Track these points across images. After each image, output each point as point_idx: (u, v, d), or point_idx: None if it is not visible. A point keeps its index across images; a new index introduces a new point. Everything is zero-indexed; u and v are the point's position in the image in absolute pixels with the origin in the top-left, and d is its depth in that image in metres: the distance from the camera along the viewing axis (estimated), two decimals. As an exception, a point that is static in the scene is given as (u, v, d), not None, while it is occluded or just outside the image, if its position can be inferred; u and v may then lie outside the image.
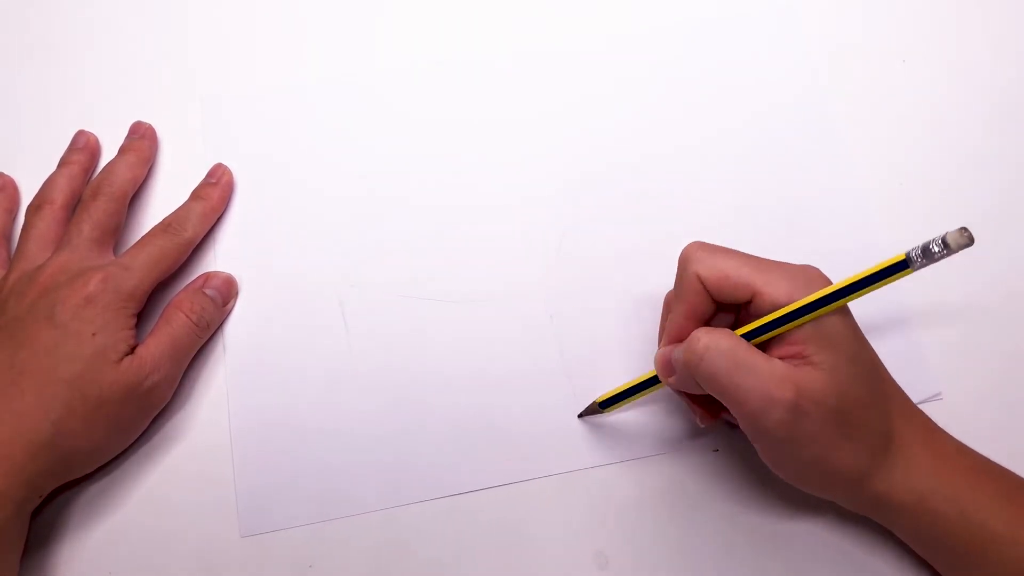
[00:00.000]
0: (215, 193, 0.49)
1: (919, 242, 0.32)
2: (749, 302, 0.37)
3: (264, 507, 0.44)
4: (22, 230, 0.47)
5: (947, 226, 0.47)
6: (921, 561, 0.41)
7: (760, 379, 0.35)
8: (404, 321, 0.47)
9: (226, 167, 0.50)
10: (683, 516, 0.43)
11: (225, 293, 0.47)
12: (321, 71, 0.53)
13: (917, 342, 0.46)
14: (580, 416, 0.45)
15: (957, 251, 0.31)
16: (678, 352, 0.38)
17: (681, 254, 0.39)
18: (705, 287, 0.38)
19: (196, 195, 0.49)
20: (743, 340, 0.37)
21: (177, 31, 0.54)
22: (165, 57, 0.53)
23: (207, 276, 0.47)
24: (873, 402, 0.37)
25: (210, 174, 0.50)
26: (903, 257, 0.33)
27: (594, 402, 0.44)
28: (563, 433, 0.45)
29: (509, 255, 0.48)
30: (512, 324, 0.47)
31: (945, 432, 0.40)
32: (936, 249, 0.32)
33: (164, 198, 0.50)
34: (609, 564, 0.42)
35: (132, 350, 0.43)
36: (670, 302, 0.43)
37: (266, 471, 0.44)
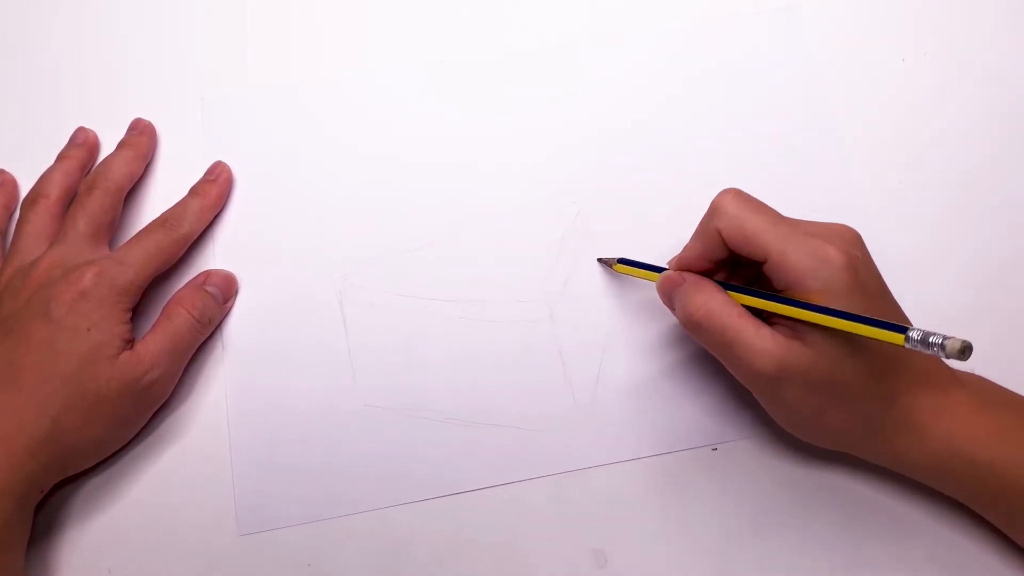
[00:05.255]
0: (213, 190, 0.48)
1: (925, 328, 0.33)
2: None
3: (262, 505, 0.43)
4: (17, 224, 0.46)
5: (948, 226, 0.48)
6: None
7: (744, 350, 0.37)
8: (403, 320, 0.47)
9: (225, 165, 0.50)
10: (681, 515, 0.43)
11: (225, 291, 0.47)
12: (321, 70, 0.53)
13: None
14: (599, 260, 0.47)
15: (948, 358, 0.32)
16: (679, 299, 0.40)
17: (714, 200, 0.40)
18: (723, 240, 0.39)
19: (194, 191, 0.48)
20: (736, 307, 0.38)
21: (179, 30, 0.54)
22: (166, 55, 0.53)
23: (208, 273, 0.47)
24: (869, 382, 0.37)
25: (209, 171, 0.49)
26: (902, 338, 0.33)
27: (615, 261, 0.46)
28: (562, 433, 0.44)
29: (508, 255, 0.48)
30: (512, 324, 0.46)
31: (968, 387, 0.39)
32: (933, 343, 0.32)
33: (163, 195, 0.49)
34: (608, 563, 0.42)
35: (129, 344, 0.42)
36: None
37: (264, 469, 0.44)
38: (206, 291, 0.46)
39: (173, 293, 0.46)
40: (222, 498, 0.44)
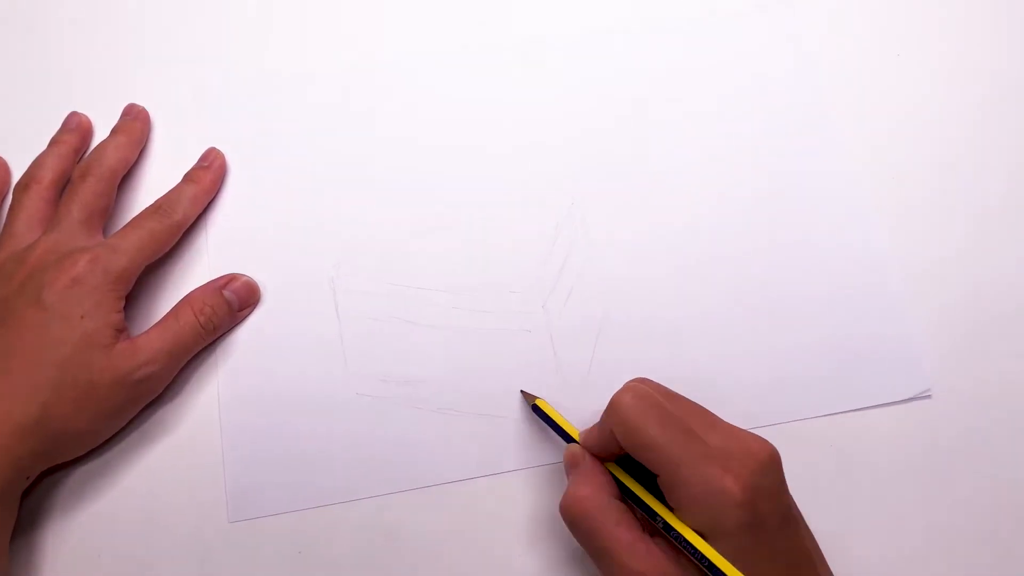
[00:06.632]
0: (207, 176, 0.48)
1: None
2: None
3: (253, 493, 0.44)
4: (9, 209, 0.46)
5: (939, 220, 0.48)
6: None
7: (612, 565, 0.35)
8: (396, 309, 0.47)
9: (219, 151, 0.49)
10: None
11: (244, 298, 0.46)
12: (313, 58, 0.52)
13: (908, 338, 0.46)
14: (521, 391, 0.45)
15: None
16: (569, 482, 0.38)
17: (614, 396, 0.37)
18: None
19: (188, 178, 0.48)
20: (616, 512, 0.36)
21: (173, 15, 0.54)
22: (161, 41, 0.53)
23: (231, 277, 0.46)
24: None
25: (203, 158, 0.49)
26: None
27: (534, 400, 0.44)
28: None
29: (503, 245, 0.48)
30: (505, 314, 0.46)
31: None
32: None
33: (156, 181, 0.49)
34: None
35: (122, 333, 0.42)
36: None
37: (256, 457, 0.44)
38: (221, 295, 0.45)
39: (166, 281, 0.46)
40: (213, 486, 0.44)
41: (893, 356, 0.46)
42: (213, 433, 0.45)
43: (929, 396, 0.45)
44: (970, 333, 0.46)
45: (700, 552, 0.33)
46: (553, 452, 0.44)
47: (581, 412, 0.44)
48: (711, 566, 0.33)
